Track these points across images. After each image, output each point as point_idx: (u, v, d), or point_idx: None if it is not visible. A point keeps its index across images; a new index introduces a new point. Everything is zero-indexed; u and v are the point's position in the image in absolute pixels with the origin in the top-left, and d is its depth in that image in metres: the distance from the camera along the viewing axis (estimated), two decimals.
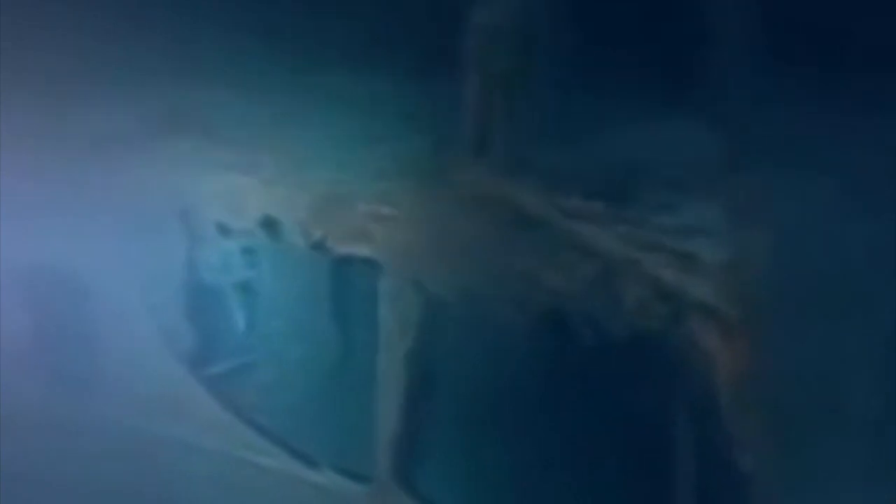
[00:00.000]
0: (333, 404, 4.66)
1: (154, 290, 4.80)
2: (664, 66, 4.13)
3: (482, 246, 4.07)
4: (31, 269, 4.94)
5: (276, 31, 4.72)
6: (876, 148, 3.95)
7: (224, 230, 4.64)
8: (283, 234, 4.52)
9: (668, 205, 3.83)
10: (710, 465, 3.75)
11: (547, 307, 3.91)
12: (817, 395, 3.66)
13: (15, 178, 4.84)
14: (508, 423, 4.25)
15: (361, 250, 4.35)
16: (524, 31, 4.13)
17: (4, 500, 4.80)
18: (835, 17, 4.19)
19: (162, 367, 4.80)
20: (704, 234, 3.73)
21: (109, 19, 4.83)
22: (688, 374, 3.68)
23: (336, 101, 4.57)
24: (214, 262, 4.81)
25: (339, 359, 4.71)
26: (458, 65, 4.18)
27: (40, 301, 4.97)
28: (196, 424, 4.78)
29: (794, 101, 4.04)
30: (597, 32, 4.14)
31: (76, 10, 4.94)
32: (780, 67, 4.06)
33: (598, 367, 3.93)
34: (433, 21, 4.36)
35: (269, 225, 4.52)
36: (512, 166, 4.07)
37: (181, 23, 4.83)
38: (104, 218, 4.75)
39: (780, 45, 4.08)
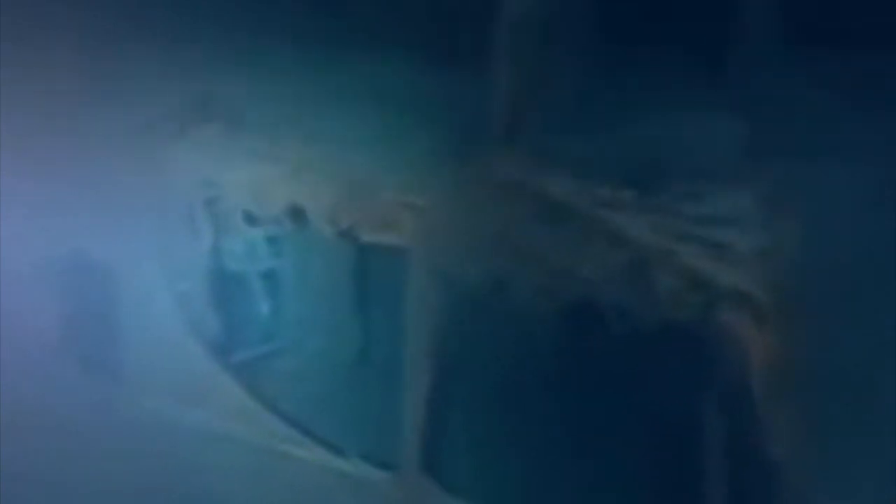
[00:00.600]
0: (359, 392, 4.66)
1: (181, 278, 4.80)
2: (691, 54, 4.12)
3: (511, 235, 4.06)
4: (58, 259, 4.95)
5: (303, 19, 4.71)
6: None
7: (251, 219, 4.65)
8: (310, 222, 4.52)
9: (698, 194, 3.82)
10: (741, 454, 3.74)
11: (577, 297, 3.91)
12: (851, 384, 3.65)
13: (41, 169, 4.86)
14: (536, 413, 4.25)
15: (389, 239, 4.35)
16: (553, 20, 4.12)
17: (34, 482, 4.82)
18: (863, 3, 4.17)
19: (188, 355, 4.80)
20: (735, 223, 3.72)
21: (137, 8, 4.82)
22: (720, 363, 3.68)
23: (363, 89, 4.56)
24: (239, 250, 4.81)
25: (364, 347, 4.72)
26: (488, 53, 4.17)
27: (67, 290, 4.97)
28: (222, 412, 4.78)
29: (822, 88, 4.03)
30: (625, 21, 4.13)
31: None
32: (808, 54, 4.05)
33: (629, 357, 3.93)
34: (463, 8, 4.35)
35: (296, 214, 4.52)
36: (541, 155, 4.06)
37: (207, 12, 4.81)
38: (131, 207, 4.76)
39: (808, 31, 4.07)
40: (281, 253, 4.81)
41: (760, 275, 3.63)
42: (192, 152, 4.69)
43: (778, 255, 3.63)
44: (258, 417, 4.74)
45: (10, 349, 5.01)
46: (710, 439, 3.81)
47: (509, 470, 4.35)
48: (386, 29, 4.57)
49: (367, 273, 4.64)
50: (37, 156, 4.85)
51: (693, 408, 3.81)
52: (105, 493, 4.88)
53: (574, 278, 3.91)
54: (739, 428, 3.70)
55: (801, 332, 3.61)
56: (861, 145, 3.87)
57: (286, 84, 4.68)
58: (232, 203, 4.65)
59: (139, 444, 4.85)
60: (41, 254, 4.96)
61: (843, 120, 3.95)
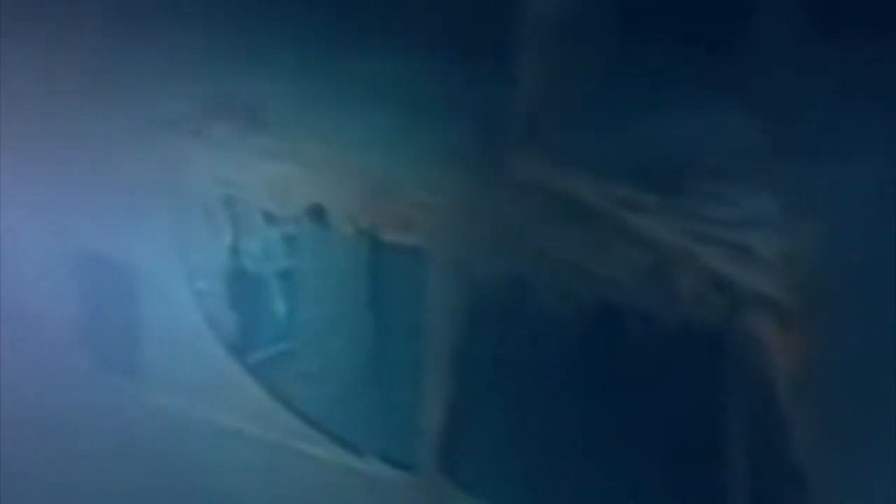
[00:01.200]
0: (376, 392, 4.66)
1: (199, 277, 4.80)
2: (714, 54, 4.12)
3: (531, 235, 4.07)
4: (77, 258, 4.95)
5: (323, 18, 4.71)
6: None
7: (270, 218, 4.65)
8: (330, 222, 4.52)
9: (720, 195, 3.81)
10: (764, 458, 3.74)
11: (597, 298, 3.91)
12: (874, 387, 3.65)
13: (60, 167, 4.86)
14: (555, 415, 4.24)
15: (409, 238, 4.35)
16: (574, 19, 4.12)
17: (49, 479, 4.83)
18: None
19: (206, 353, 4.80)
20: (758, 225, 3.72)
21: (157, 6, 4.82)
22: (742, 366, 3.68)
23: (383, 87, 4.56)
24: (257, 249, 4.81)
25: (381, 347, 4.71)
26: (508, 52, 4.17)
27: (86, 288, 4.98)
28: (238, 411, 4.78)
29: (845, 89, 4.02)
30: (647, 20, 4.12)
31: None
32: (830, 54, 4.05)
33: (649, 359, 3.92)
34: (483, 7, 4.35)
35: (316, 213, 4.52)
36: (561, 155, 4.06)
37: (226, 9, 4.82)
38: (150, 205, 4.76)
39: (830, 30, 4.06)
40: (297, 252, 4.80)
41: (783, 277, 3.62)
42: (211, 151, 4.69)
43: (801, 258, 3.63)
44: (275, 416, 4.75)
45: (29, 347, 5.02)
46: (732, 443, 3.81)
47: (527, 471, 4.35)
48: (406, 28, 4.56)
49: (384, 272, 4.63)
50: (56, 154, 4.85)
51: (714, 411, 3.81)
52: (120, 489, 4.89)
53: (594, 279, 3.91)
54: (762, 431, 3.70)
55: (824, 334, 3.60)
56: (886, 147, 3.87)
57: (306, 83, 4.68)
58: (251, 202, 4.65)
59: (155, 442, 4.86)
60: (60, 252, 4.96)
61: (868, 121, 3.94)
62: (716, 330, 3.71)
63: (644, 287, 3.80)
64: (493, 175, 4.18)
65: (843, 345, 3.63)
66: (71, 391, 4.98)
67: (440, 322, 4.33)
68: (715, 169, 3.88)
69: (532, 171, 4.08)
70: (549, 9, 4.12)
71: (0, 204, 4.98)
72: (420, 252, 4.34)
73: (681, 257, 3.74)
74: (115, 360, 4.96)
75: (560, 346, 4.13)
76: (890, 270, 3.69)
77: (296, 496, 4.71)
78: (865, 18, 4.11)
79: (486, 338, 4.29)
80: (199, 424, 4.83)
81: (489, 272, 4.18)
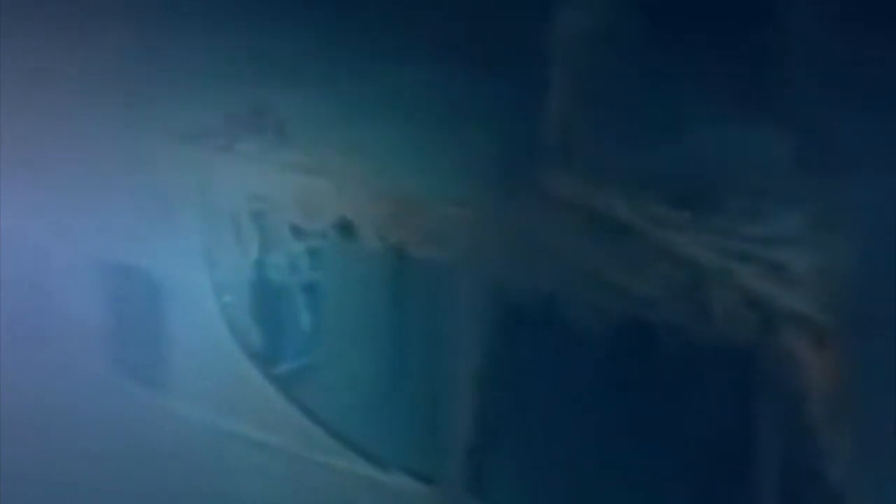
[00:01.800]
0: (401, 405, 4.67)
1: (226, 289, 4.83)
2: (747, 71, 4.14)
3: (563, 251, 4.09)
4: (105, 268, 4.97)
5: (353, 31, 4.74)
6: None
7: (297, 232, 4.67)
8: (358, 236, 4.54)
9: (754, 212, 3.84)
10: (797, 476, 3.76)
11: (631, 315, 3.93)
12: None
13: (90, 178, 4.89)
14: (584, 432, 4.26)
15: (438, 254, 4.37)
16: (608, 36, 4.15)
17: (82, 489, 4.85)
18: None
19: (232, 364, 4.82)
20: (791, 241, 3.75)
21: (189, 20, 4.85)
22: (776, 383, 3.70)
23: (414, 101, 4.58)
24: (283, 263, 4.83)
25: (407, 360, 4.73)
26: (541, 67, 4.19)
27: (113, 299, 5.00)
28: (263, 422, 4.80)
29: (878, 105, 4.04)
30: (679, 38, 4.15)
31: (151, 11, 4.97)
32: (863, 71, 4.07)
33: (683, 377, 3.94)
34: (515, 20, 4.37)
35: (344, 227, 4.54)
36: (594, 172, 4.09)
37: (255, 24, 4.85)
38: (179, 218, 4.78)
39: (863, 47, 4.08)
40: (324, 265, 4.82)
41: (817, 294, 3.65)
42: (239, 165, 4.71)
43: (834, 274, 3.65)
44: (299, 427, 4.76)
45: (57, 356, 5.04)
46: (765, 460, 3.82)
47: (554, 487, 4.36)
48: (438, 42, 4.59)
49: (411, 287, 4.65)
50: (87, 165, 4.87)
51: (748, 428, 3.82)
52: (145, 499, 4.90)
53: (627, 296, 3.93)
54: (795, 448, 3.72)
55: (858, 351, 3.62)
56: None
57: (335, 97, 4.71)
58: (279, 216, 4.68)
59: (179, 452, 4.86)
60: (88, 263, 4.98)
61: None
62: (749, 347, 3.73)
63: (678, 304, 3.82)
64: (524, 191, 4.20)
65: (877, 361, 3.65)
66: (97, 401, 4.99)
67: (469, 337, 4.35)
68: (748, 186, 3.91)
69: (565, 188, 4.11)
70: (582, 25, 4.14)
71: (30, 215, 5.00)
72: (449, 267, 4.36)
73: (715, 274, 3.76)
74: (141, 370, 4.97)
75: (591, 363, 4.15)
76: None
77: None
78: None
79: (516, 353, 4.31)
80: (223, 435, 4.85)
81: (520, 288, 4.20)
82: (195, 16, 4.91)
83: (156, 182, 4.80)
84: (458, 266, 4.33)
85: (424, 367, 4.61)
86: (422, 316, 4.66)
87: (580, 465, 4.29)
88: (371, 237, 4.50)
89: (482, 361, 4.34)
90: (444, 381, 4.45)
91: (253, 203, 4.71)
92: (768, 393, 3.76)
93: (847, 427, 3.66)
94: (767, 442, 3.80)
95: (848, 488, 3.67)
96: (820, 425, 3.66)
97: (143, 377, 4.96)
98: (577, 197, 4.08)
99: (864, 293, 3.67)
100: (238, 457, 4.82)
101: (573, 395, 4.25)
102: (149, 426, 4.91)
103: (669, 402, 4.01)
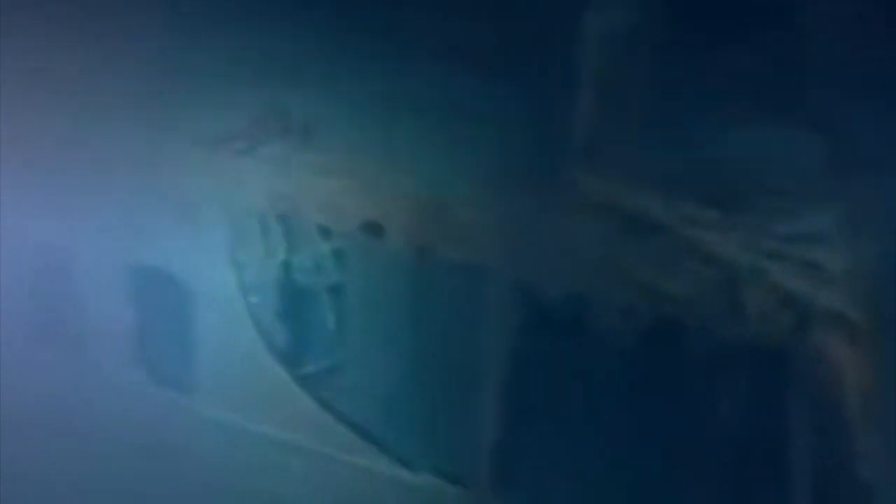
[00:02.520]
0: (429, 407, 4.68)
1: (252, 290, 4.84)
2: (776, 70, 4.14)
3: (593, 252, 4.09)
4: (130, 269, 4.99)
5: (377, 34, 4.74)
6: None
7: (325, 233, 4.68)
8: (385, 238, 4.55)
9: (786, 211, 3.84)
10: (832, 476, 3.76)
11: (662, 315, 3.93)
12: None
13: (114, 180, 4.90)
14: (613, 434, 4.26)
15: (466, 255, 4.38)
16: (635, 35, 4.15)
17: (103, 491, 4.86)
18: None
19: (259, 365, 4.83)
20: (824, 240, 3.74)
21: (211, 20, 4.85)
22: (810, 383, 3.70)
23: (441, 103, 4.57)
24: (309, 264, 4.84)
25: (435, 362, 4.73)
26: (568, 66, 4.20)
27: (139, 300, 5.01)
28: (290, 422, 4.81)
29: None
30: (707, 37, 4.15)
31: (175, 13, 4.97)
32: (887, 70, 4.06)
33: (715, 377, 3.94)
34: (542, 20, 4.37)
35: (371, 229, 4.55)
36: (623, 171, 4.08)
37: (280, 25, 4.85)
38: (204, 220, 4.79)
39: (888, 46, 4.08)
40: (351, 267, 4.83)
41: (852, 293, 3.65)
42: (265, 167, 4.72)
43: (868, 273, 3.65)
44: (327, 428, 4.77)
45: (83, 357, 5.05)
46: (799, 461, 3.82)
47: (583, 491, 4.36)
48: (464, 43, 4.59)
49: (439, 288, 4.65)
50: (111, 167, 4.89)
51: (782, 428, 3.82)
52: (170, 496, 4.91)
53: (659, 296, 3.93)
54: (829, 448, 3.72)
55: (893, 350, 3.63)
56: None
57: (361, 98, 4.70)
58: (305, 218, 4.69)
59: (208, 454, 4.88)
60: (114, 266, 4.99)
61: None
62: (784, 346, 3.73)
63: (711, 303, 3.82)
64: (552, 191, 4.20)
65: None
66: (122, 403, 5.00)
67: (497, 338, 4.35)
68: (779, 186, 3.91)
69: (594, 187, 4.11)
70: (610, 23, 4.15)
71: (52, 216, 5.02)
72: (477, 269, 4.36)
73: (747, 273, 3.77)
74: (169, 372, 4.98)
75: (621, 364, 4.15)
76: None
77: None
78: None
79: (543, 354, 4.31)
80: (249, 435, 4.86)
81: (548, 289, 4.20)
82: (213, 16, 4.91)
83: (181, 184, 4.81)
84: (485, 267, 4.33)
85: (450, 367, 4.62)
86: (448, 316, 4.66)
87: (609, 467, 4.29)
88: (398, 238, 4.50)
89: (509, 362, 4.34)
90: (471, 382, 4.45)
91: (278, 205, 4.71)
92: (802, 392, 3.76)
93: (881, 426, 3.66)
94: (801, 441, 3.80)
95: (882, 487, 3.66)
96: (854, 424, 3.66)
97: (169, 378, 4.97)
98: (606, 196, 4.08)
99: None
100: (263, 456, 4.83)
101: (602, 395, 4.25)
102: (175, 427, 4.93)
103: (700, 403, 4.01)
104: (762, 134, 4.07)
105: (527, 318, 4.29)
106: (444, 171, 4.44)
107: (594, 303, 4.10)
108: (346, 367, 4.84)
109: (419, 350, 4.76)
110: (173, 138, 4.83)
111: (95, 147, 4.93)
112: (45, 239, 5.07)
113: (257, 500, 4.81)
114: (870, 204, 3.80)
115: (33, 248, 5.06)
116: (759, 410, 3.88)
